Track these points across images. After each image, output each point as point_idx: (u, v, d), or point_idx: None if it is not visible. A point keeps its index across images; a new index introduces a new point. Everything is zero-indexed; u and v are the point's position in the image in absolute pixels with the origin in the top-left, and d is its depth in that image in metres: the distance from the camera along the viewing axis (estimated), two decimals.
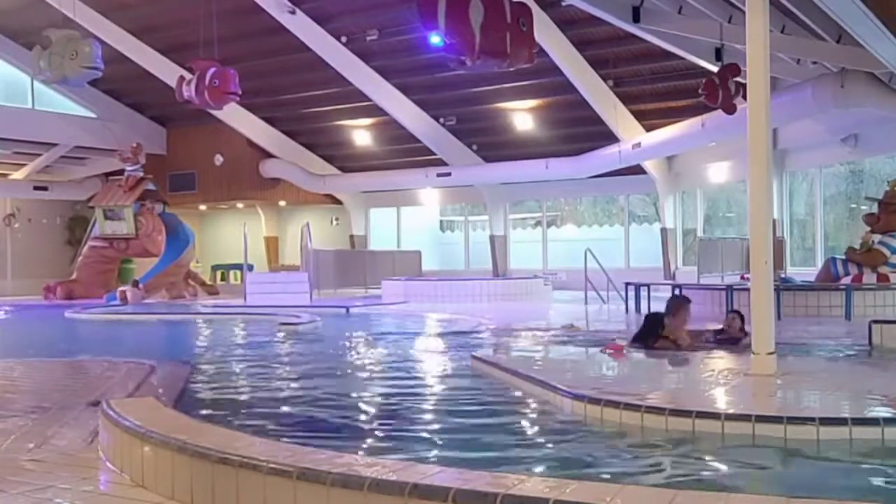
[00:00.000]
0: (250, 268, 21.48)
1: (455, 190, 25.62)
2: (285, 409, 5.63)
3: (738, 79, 13.10)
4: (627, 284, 14.30)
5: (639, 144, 19.92)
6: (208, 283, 24.57)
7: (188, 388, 5.87)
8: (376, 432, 4.74)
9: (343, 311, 15.49)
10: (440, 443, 4.38)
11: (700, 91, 13.67)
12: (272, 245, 28.49)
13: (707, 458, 3.87)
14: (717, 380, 5.60)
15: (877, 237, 13.16)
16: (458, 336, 10.40)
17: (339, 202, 27.42)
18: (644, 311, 13.43)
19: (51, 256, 27.16)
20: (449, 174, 23.81)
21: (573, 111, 21.05)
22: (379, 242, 27.31)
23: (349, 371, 7.48)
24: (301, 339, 10.61)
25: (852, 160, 17.77)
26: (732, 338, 7.80)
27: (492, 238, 25.31)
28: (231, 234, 28.13)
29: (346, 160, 26.46)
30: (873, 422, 4.10)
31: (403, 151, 24.80)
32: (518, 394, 5.55)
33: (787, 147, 18.21)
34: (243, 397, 6.13)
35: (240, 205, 28.05)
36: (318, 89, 22.81)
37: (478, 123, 23.14)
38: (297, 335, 11.03)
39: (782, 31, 13.29)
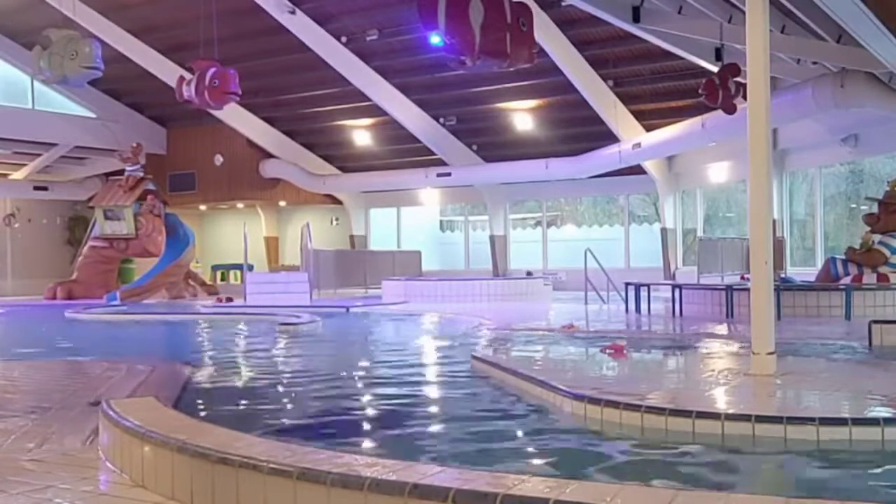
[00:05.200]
0: (250, 268, 21.48)
1: (455, 190, 25.63)
2: (285, 408, 5.64)
3: (738, 79, 13.10)
4: (627, 284, 14.30)
5: (639, 144, 19.93)
6: (208, 283, 24.57)
7: (188, 388, 5.86)
8: (376, 432, 4.74)
9: (343, 311, 15.49)
10: (440, 443, 4.38)
11: (700, 91, 13.68)
12: (272, 245, 28.50)
13: (707, 458, 3.87)
14: (717, 380, 5.60)
15: (877, 237, 13.15)
16: (458, 336, 10.40)
17: (339, 202, 27.42)
18: (644, 311, 13.47)
19: (51, 256, 27.17)
20: (449, 174, 23.83)
21: (573, 111, 21.06)
22: (379, 242, 27.32)
23: (349, 371, 7.48)
24: (301, 340, 10.61)
25: (852, 160, 17.77)
26: None
27: (492, 238, 25.32)
28: (231, 234, 28.15)
29: (346, 160, 26.47)
30: (873, 422, 4.10)
31: (403, 151, 24.81)
32: (518, 394, 5.55)
33: (787, 147, 18.21)
34: (243, 397, 6.13)
35: (240, 205, 28.06)
36: (318, 89, 22.83)
37: (478, 123, 23.15)
38: (297, 335, 11.03)
39: (782, 31, 13.29)
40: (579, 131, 21.81)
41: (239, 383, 6.93)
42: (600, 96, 19.84)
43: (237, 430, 3.74)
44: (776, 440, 4.02)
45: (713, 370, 6.06)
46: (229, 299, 19.10)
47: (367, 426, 4.96)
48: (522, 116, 22.50)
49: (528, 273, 23.48)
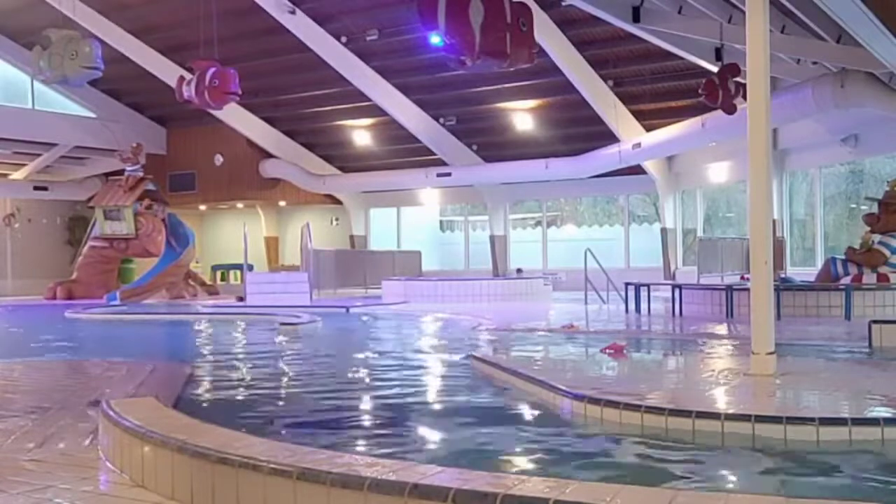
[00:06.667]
0: (250, 268, 21.48)
1: (455, 190, 25.62)
2: (285, 408, 5.64)
3: (738, 79, 13.10)
4: (627, 284, 14.30)
5: (639, 144, 19.94)
6: (208, 283, 24.56)
7: (188, 388, 5.86)
8: (376, 432, 4.74)
9: (343, 311, 15.49)
10: (440, 443, 4.38)
11: (700, 91, 13.69)
12: (272, 245, 28.49)
13: (707, 458, 3.87)
14: (717, 380, 5.60)
15: (877, 237, 13.15)
16: (458, 336, 10.40)
17: (339, 202, 27.42)
18: (644, 310, 13.46)
19: (51, 256, 27.17)
20: (449, 174, 23.83)
21: (573, 111, 21.06)
22: (379, 242, 27.32)
23: (349, 371, 7.48)
24: (301, 339, 10.61)
25: (852, 160, 17.77)
26: None
27: (492, 238, 25.32)
28: (231, 234, 28.14)
29: (346, 160, 26.47)
30: (873, 422, 4.10)
31: (403, 151, 24.81)
32: (518, 394, 5.55)
33: (787, 147, 18.22)
34: (243, 397, 6.13)
35: (240, 205, 28.06)
36: (318, 89, 22.83)
37: (478, 123, 23.16)
38: (297, 335, 11.03)
39: (782, 31, 13.30)
40: (579, 131, 21.80)
41: (239, 383, 6.92)
42: (600, 96, 19.84)
43: (237, 430, 3.74)
44: (776, 440, 4.02)
45: (713, 370, 6.06)
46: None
47: (366, 426, 4.96)
48: (522, 116, 22.50)
49: (518, 270, 23.51)
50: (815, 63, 14.63)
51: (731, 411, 4.35)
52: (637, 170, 21.71)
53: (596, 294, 16.73)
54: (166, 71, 21.66)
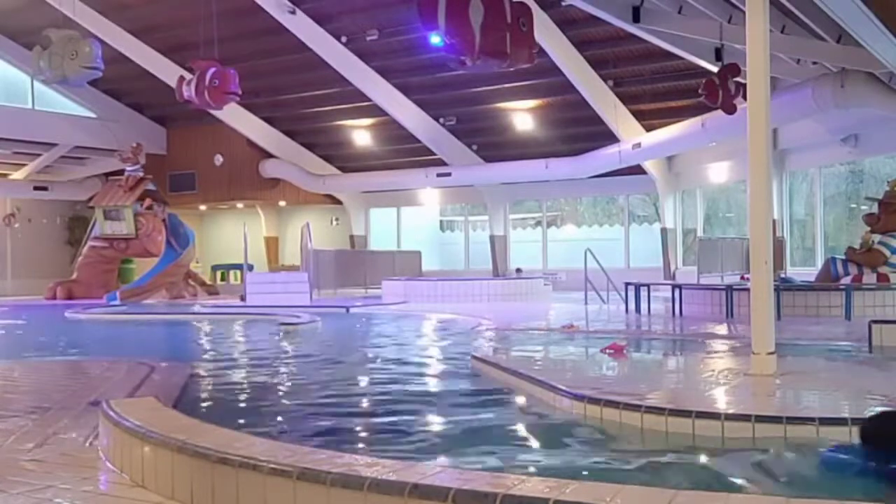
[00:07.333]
0: (250, 268, 21.48)
1: (455, 190, 25.62)
2: (285, 408, 5.63)
3: (738, 79, 13.10)
4: (627, 284, 14.29)
5: (639, 144, 19.93)
6: (208, 283, 24.56)
7: (188, 388, 5.86)
8: (376, 432, 4.75)
9: (343, 311, 15.49)
10: (440, 443, 4.38)
11: (700, 91, 13.68)
12: (272, 245, 28.48)
13: (707, 458, 3.87)
14: (717, 380, 5.60)
15: (877, 237, 13.15)
16: (458, 336, 10.40)
17: (339, 202, 27.42)
18: (644, 310, 13.47)
19: (51, 256, 27.16)
20: (449, 174, 23.83)
21: (573, 111, 21.06)
22: (379, 242, 27.31)
23: (348, 371, 7.48)
24: (301, 339, 10.61)
25: (852, 160, 17.77)
26: None
27: (492, 238, 25.31)
28: (231, 234, 28.13)
29: (346, 160, 26.46)
30: None
31: (403, 151, 24.80)
32: (518, 394, 5.55)
33: (787, 147, 18.21)
34: (243, 397, 6.13)
35: (240, 205, 28.05)
36: (318, 89, 22.82)
37: (478, 123, 23.15)
38: (297, 335, 11.03)
39: (782, 31, 13.29)
40: (579, 131, 21.80)
41: (239, 383, 6.93)
42: (600, 96, 19.83)
43: (237, 430, 3.74)
44: (776, 440, 4.02)
45: (713, 370, 6.06)
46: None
47: (366, 427, 4.96)
48: (522, 116, 22.49)
49: (518, 270, 23.49)
50: (815, 63, 14.63)
51: (731, 411, 4.35)
52: (637, 170, 21.71)
53: (596, 294, 16.72)
54: (166, 71, 21.65)
